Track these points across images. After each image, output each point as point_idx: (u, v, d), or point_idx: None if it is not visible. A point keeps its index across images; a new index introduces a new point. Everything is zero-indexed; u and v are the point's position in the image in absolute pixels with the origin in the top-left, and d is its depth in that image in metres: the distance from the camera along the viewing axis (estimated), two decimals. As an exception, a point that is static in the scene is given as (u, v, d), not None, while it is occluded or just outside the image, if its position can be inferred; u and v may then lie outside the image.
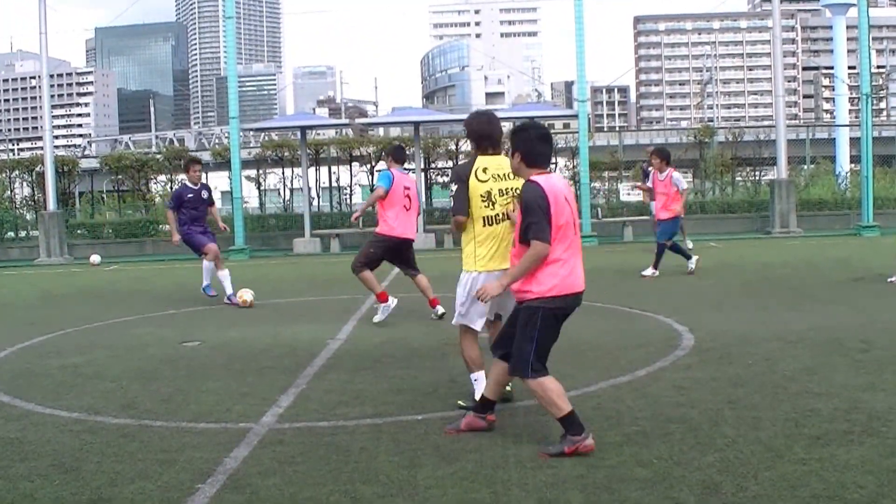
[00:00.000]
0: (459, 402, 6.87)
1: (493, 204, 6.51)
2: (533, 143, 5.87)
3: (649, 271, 15.51)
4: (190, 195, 14.25)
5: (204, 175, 29.37)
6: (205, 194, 14.46)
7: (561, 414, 5.63)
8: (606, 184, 31.52)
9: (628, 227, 26.53)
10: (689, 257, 15.93)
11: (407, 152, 13.90)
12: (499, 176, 6.53)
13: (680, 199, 15.54)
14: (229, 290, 14.08)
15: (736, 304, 12.34)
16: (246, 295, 13.65)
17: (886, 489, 4.82)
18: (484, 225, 6.54)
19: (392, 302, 11.51)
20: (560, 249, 5.71)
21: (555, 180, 5.85)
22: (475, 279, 6.56)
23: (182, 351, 10.15)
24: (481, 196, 6.50)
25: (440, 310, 11.46)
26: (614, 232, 26.59)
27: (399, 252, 11.73)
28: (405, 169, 12.32)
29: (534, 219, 5.63)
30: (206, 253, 14.19)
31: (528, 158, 5.86)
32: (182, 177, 16.51)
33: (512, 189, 6.47)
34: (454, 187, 6.59)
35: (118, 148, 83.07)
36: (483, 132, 6.67)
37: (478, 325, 6.82)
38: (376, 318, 11.51)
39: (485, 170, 6.54)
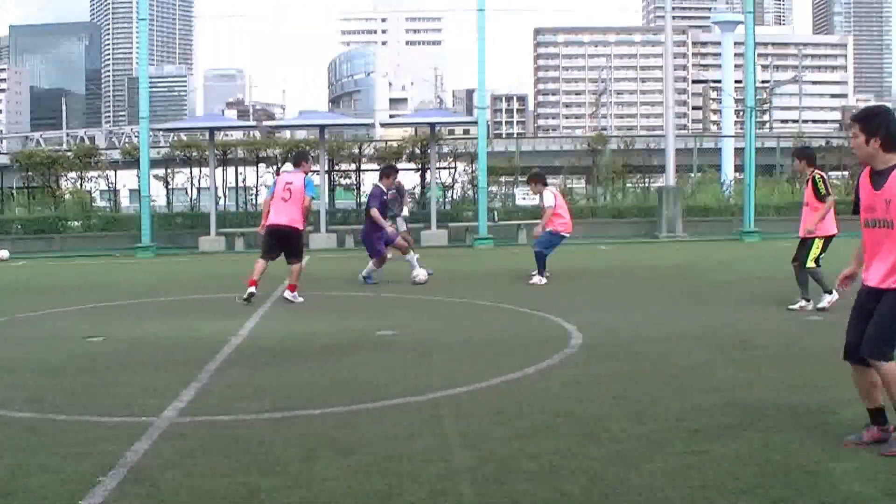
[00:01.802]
0: None
1: None
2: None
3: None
4: (386, 198, 15.93)
5: (113, 174, 28.81)
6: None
7: None
8: (503, 188, 31.83)
9: (523, 230, 26.86)
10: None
11: (310, 155, 15.61)
12: None
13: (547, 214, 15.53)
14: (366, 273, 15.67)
15: (623, 304, 12.63)
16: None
17: (761, 480, 5.05)
18: None
19: (252, 290, 13.05)
20: None
21: None
22: None
23: (87, 346, 10.06)
24: None
25: (289, 295, 13.26)
26: (510, 234, 26.91)
27: (280, 238, 13.38)
28: (295, 169, 13.99)
29: None
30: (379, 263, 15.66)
31: (887, 143, 5.50)
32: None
33: None
34: None
35: (29, 145, 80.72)
36: None
37: None
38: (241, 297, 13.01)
39: None
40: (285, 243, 13.42)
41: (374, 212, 15.11)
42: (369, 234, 15.33)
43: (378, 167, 31.35)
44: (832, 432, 5.94)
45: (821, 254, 11.42)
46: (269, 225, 13.41)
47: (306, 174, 13.76)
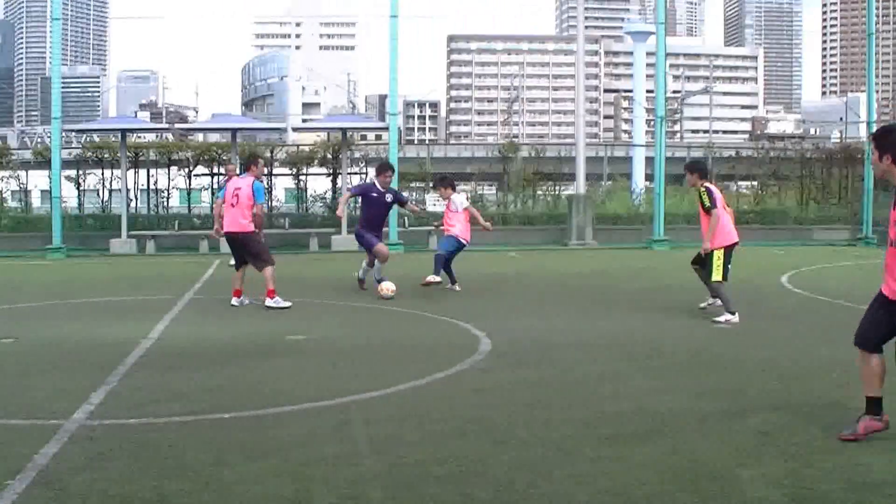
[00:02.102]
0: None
1: None
2: None
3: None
4: (374, 194, 14.62)
5: (25, 174, 28.18)
6: (388, 197, 14.78)
7: None
8: (414, 194, 31.86)
9: (433, 235, 26.85)
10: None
11: (260, 162, 14.53)
12: None
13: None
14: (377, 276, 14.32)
15: (533, 311, 12.71)
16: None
17: (668, 485, 5.10)
18: None
19: (234, 301, 13.16)
20: None
21: None
22: None
23: (-2, 347, 9.87)
24: None
25: (270, 302, 12.79)
26: (420, 240, 26.91)
27: (235, 244, 13.40)
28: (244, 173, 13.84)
29: None
30: (376, 253, 14.33)
31: None
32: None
33: None
34: None
35: (-61, 144, 78.42)
36: None
37: None
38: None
39: None
40: (241, 249, 13.31)
41: (346, 191, 14.74)
42: (358, 231, 14.63)
43: (289, 171, 31.42)
44: (740, 438, 6.03)
45: (726, 265, 11.49)
46: (224, 233, 13.53)
47: (256, 178, 13.53)
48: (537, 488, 5.06)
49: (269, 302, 12.78)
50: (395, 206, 16.50)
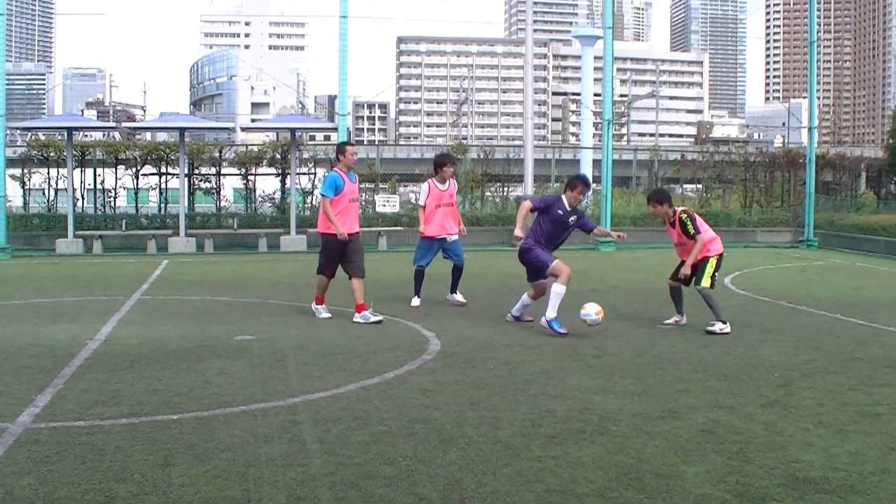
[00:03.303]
0: None
1: None
2: None
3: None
4: (559, 212, 11.84)
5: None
6: (573, 218, 11.88)
7: None
8: (364, 195, 31.84)
9: (383, 237, 26.89)
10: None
11: (347, 150, 12.20)
12: None
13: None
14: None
15: (481, 311, 12.75)
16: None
17: (614, 483, 5.18)
18: None
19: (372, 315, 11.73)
20: None
21: None
22: None
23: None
24: None
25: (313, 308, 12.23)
26: (369, 241, 26.86)
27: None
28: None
29: None
30: (554, 272, 11.79)
31: None
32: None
33: None
34: None
35: None
36: None
37: None
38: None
39: None
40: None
41: (524, 204, 12.26)
42: (526, 245, 12.19)
43: (238, 171, 31.23)
44: (684, 437, 6.13)
45: (715, 272, 11.20)
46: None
47: (346, 169, 12.10)
48: (484, 487, 5.11)
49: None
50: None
